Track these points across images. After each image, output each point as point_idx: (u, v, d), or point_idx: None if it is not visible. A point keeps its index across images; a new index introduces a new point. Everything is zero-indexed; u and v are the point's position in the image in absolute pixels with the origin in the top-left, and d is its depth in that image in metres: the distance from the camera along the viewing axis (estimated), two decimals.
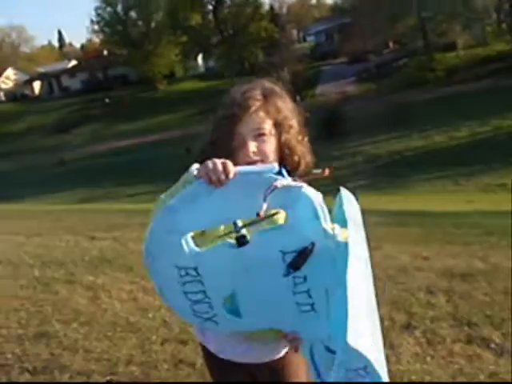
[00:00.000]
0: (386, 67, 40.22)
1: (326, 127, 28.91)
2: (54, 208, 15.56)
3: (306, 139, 1.59)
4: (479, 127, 28.02)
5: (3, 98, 56.96)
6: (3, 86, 57.60)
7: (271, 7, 55.90)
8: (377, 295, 1.31)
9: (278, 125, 1.52)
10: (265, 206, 1.21)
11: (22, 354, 3.31)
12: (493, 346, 2.93)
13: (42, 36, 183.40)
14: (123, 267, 5.01)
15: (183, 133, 37.11)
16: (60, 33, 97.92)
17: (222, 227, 1.34)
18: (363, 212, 1.39)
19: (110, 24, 50.33)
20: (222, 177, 1.23)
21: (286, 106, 1.55)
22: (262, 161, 1.49)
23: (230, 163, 1.26)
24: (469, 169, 22.92)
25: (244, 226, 1.27)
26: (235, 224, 1.27)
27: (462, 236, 6.43)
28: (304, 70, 41.13)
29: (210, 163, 1.26)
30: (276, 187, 1.22)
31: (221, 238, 1.32)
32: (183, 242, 1.29)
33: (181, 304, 1.39)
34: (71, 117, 46.56)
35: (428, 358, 2.85)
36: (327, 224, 1.24)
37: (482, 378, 2.61)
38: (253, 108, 1.48)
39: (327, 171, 1.37)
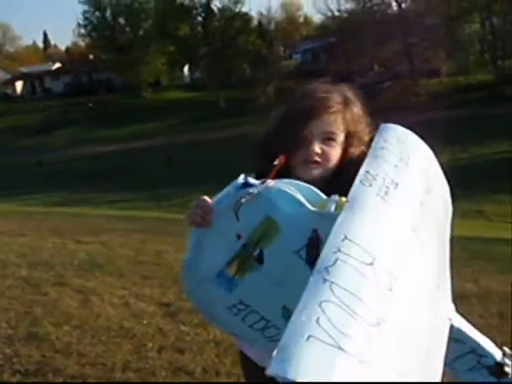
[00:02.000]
0: (370, 89, 40.72)
1: None
2: (34, 210, 15.31)
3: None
4: (459, 153, 28.50)
5: None
6: None
7: (259, 22, 56.39)
8: None
9: (349, 136, 1.46)
10: (238, 225, 1.23)
11: (13, 355, 3.21)
12: None
13: (27, 36, 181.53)
14: (114, 272, 4.93)
15: (166, 142, 37.04)
16: (45, 34, 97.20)
17: (237, 258, 1.31)
18: None
19: (98, 29, 50.12)
20: (205, 217, 1.25)
21: (362, 119, 1.50)
22: (322, 164, 1.43)
23: (205, 200, 1.26)
24: None
25: (255, 245, 1.26)
26: (245, 246, 1.26)
27: (451, 259, 6.48)
28: (289, 87, 41.42)
29: (191, 211, 1.28)
30: (241, 204, 1.21)
31: (243, 266, 1.30)
32: (214, 283, 1.31)
33: (254, 337, 1.38)
34: (53, 119, 46.06)
35: None
36: (317, 203, 1.20)
37: None
38: (333, 109, 1.42)
39: (282, 159, 1.35)
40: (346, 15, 45.02)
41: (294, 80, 46.15)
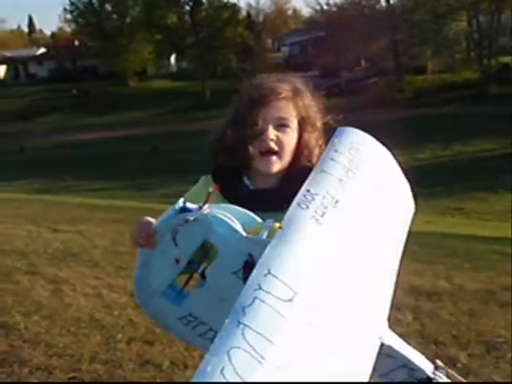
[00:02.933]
0: (356, 84, 40.84)
1: None
2: (13, 196, 15.14)
3: (324, 146, 1.53)
4: (442, 151, 28.71)
5: None
6: None
7: (248, 14, 56.13)
8: None
9: (302, 122, 1.48)
10: (176, 251, 1.28)
11: None
12: (459, 365, 2.96)
13: (12, 20, 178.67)
14: (88, 262, 4.89)
15: (150, 131, 36.80)
16: (30, 18, 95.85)
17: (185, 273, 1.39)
18: None
19: (84, 14, 49.53)
20: (149, 239, 1.28)
21: (314, 105, 1.52)
22: (278, 153, 1.44)
23: (148, 222, 1.29)
24: (428, 190, 23.34)
25: (199, 263, 1.34)
26: (190, 263, 1.33)
27: (426, 255, 6.53)
28: None
29: (133, 232, 1.32)
30: (177, 231, 1.25)
31: (190, 281, 1.38)
32: (164, 297, 1.38)
33: (206, 345, 1.43)
34: (36, 105, 45.51)
35: None
36: (253, 228, 1.24)
37: None
38: (283, 95, 1.44)
39: (216, 188, 1.34)
40: (334, 9, 45.03)
41: (282, 73, 46.09)
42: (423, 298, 4.12)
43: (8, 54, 60.16)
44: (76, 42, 56.45)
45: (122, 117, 41.73)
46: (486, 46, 38.58)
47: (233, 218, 1.23)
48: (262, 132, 1.42)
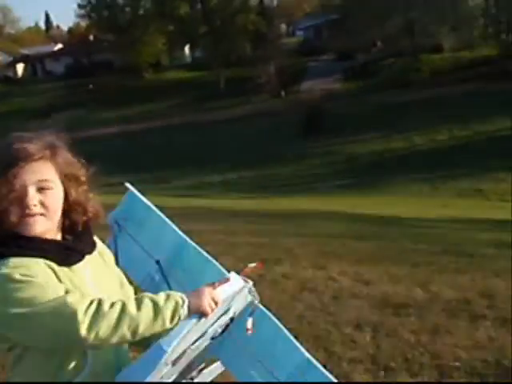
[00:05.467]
0: (372, 66, 40.19)
1: (308, 124, 29.01)
2: None
3: (91, 195, 1.46)
4: (460, 131, 28.07)
5: None
6: None
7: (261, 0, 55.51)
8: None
9: (66, 180, 1.39)
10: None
11: None
12: None
13: (29, 17, 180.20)
14: None
15: (167, 123, 36.88)
16: (47, 15, 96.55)
17: None
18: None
19: (97, 8, 49.62)
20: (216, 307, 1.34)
21: (73, 159, 1.42)
22: (44, 215, 1.33)
23: (216, 295, 1.34)
24: (447, 172, 22.89)
25: None
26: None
27: (415, 255, 6.37)
28: (290, 66, 40.96)
29: (204, 302, 1.32)
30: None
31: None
32: None
33: None
34: (54, 102, 45.95)
35: None
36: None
37: None
38: (39, 155, 1.32)
39: (260, 265, 1.37)
40: None
41: (296, 58, 45.64)
42: (388, 313, 3.96)
43: (25, 51, 60.78)
44: (91, 37, 56.69)
45: (139, 109, 41.92)
46: (504, 20, 37.52)
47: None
48: (23, 198, 1.30)
